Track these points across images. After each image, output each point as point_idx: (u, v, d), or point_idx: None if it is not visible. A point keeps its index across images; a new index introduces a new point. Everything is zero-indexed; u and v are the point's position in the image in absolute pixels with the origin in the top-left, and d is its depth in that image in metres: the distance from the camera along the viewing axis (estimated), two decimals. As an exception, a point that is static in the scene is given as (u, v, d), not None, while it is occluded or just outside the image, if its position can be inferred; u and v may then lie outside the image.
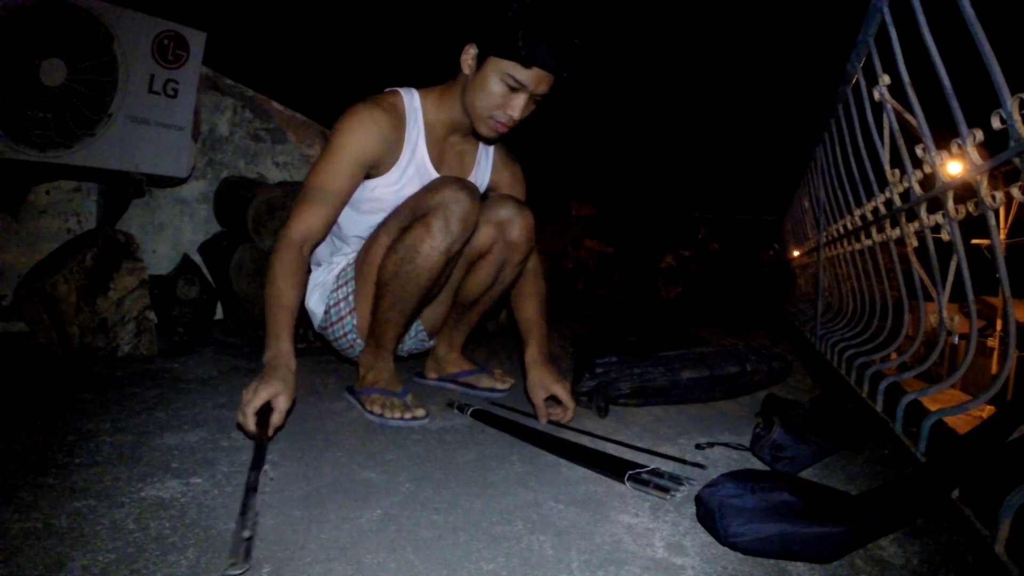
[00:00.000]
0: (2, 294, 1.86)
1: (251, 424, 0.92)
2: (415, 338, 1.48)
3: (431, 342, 1.53)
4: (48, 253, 1.78)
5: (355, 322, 1.34)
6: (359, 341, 1.36)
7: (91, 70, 1.75)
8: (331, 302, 1.36)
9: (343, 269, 1.38)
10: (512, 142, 1.50)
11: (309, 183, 1.20)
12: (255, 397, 0.93)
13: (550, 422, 1.24)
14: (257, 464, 0.80)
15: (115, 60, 1.79)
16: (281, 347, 1.06)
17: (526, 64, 1.12)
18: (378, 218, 1.31)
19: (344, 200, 1.24)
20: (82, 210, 2.06)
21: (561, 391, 1.25)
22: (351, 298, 1.34)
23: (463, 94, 1.23)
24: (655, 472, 0.95)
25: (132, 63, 1.82)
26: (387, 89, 1.30)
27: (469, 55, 1.19)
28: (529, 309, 1.40)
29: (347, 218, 1.32)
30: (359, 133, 1.20)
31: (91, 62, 1.74)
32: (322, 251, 1.39)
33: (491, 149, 1.44)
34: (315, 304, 1.39)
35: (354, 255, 1.37)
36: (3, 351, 1.63)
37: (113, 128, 1.82)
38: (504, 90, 1.16)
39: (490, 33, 1.14)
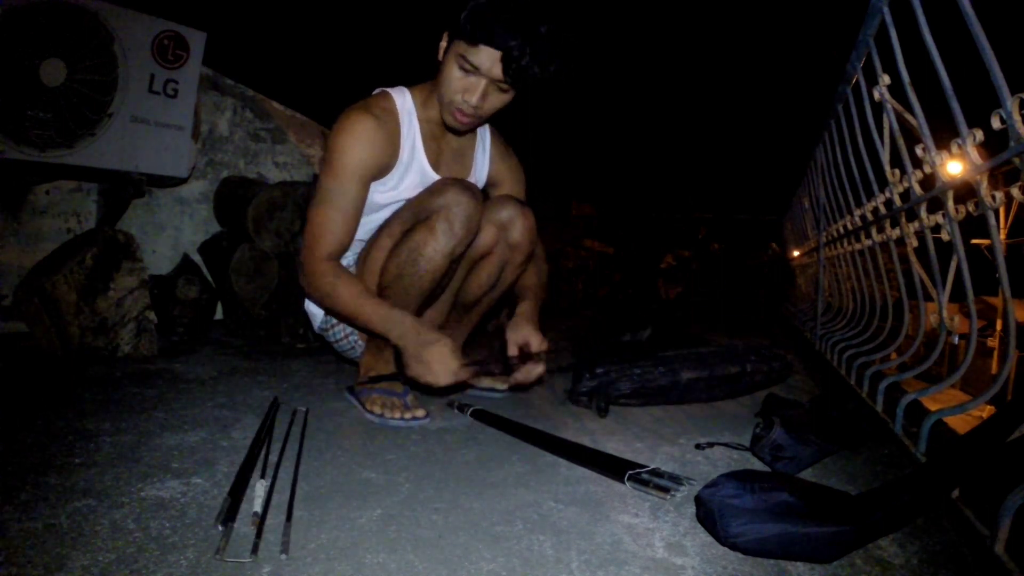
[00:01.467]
0: (2, 294, 1.86)
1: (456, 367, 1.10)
2: None
3: None
4: (48, 253, 1.78)
5: None
6: (360, 343, 1.36)
7: (91, 70, 1.75)
8: None
9: None
10: (510, 141, 1.50)
11: (319, 211, 1.19)
12: (450, 356, 1.11)
13: (519, 385, 1.27)
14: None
15: (115, 60, 1.79)
16: (405, 320, 1.14)
17: (472, 41, 1.09)
18: (379, 219, 1.31)
19: (360, 213, 1.24)
20: (82, 210, 2.06)
21: (535, 340, 1.25)
22: None
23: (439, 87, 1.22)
24: (655, 472, 0.95)
25: (132, 63, 1.82)
26: (377, 90, 1.29)
27: (442, 47, 1.18)
28: (528, 280, 1.43)
29: None
30: (358, 149, 1.19)
31: (91, 62, 1.74)
32: None
33: (488, 142, 1.43)
34: (313, 307, 1.39)
35: (354, 257, 1.37)
36: (3, 351, 1.62)
37: (113, 128, 1.81)
38: (461, 74, 1.14)
39: (456, 19, 1.12)
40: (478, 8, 1.08)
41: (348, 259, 1.38)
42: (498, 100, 1.18)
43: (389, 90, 1.28)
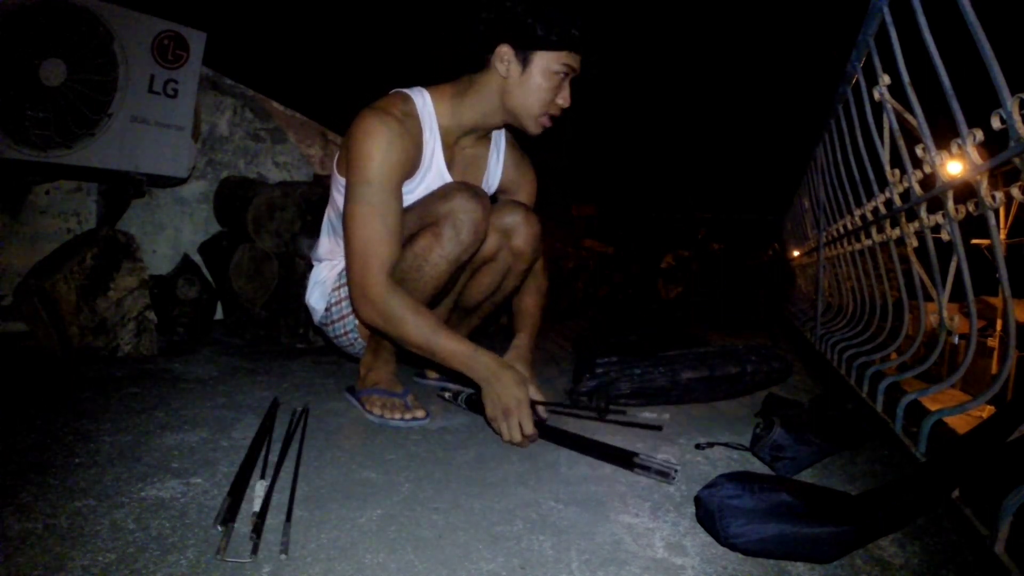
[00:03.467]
0: (2, 294, 1.86)
1: (530, 428, 1.06)
2: None
3: None
4: (48, 253, 1.78)
5: (356, 322, 1.34)
6: (359, 340, 1.36)
7: (91, 70, 1.75)
8: (332, 300, 1.36)
9: (344, 269, 1.37)
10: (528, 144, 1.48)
11: (365, 220, 1.13)
12: (521, 403, 1.06)
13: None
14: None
15: (115, 60, 1.79)
16: (483, 358, 1.10)
17: (582, 48, 1.17)
18: None
19: (401, 218, 1.19)
20: (82, 210, 2.06)
21: (531, 387, 1.21)
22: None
23: (505, 97, 1.20)
24: (650, 459, 0.98)
25: (132, 63, 1.82)
26: (393, 91, 1.25)
27: (505, 57, 1.17)
28: (528, 301, 1.42)
29: None
30: (390, 151, 1.15)
31: (91, 62, 1.74)
32: (324, 247, 1.39)
33: (503, 149, 1.40)
34: (316, 301, 1.39)
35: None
36: (3, 351, 1.62)
37: (113, 128, 1.81)
38: (557, 82, 1.18)
39: (528, 29, 1.13)
40: (571, 19, 1.13)
41: (342, 264, 1.37)
42: None
43: (407, 91, 1.24)
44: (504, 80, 1.19)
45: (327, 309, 1.37)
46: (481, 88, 1.22)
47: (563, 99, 1.19)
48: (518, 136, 1.42)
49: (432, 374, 1.55)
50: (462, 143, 1.32)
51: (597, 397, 1.35)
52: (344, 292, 1.35)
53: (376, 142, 1.14)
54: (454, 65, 1.25)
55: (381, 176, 1.14)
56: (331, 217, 1.36)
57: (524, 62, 1.16)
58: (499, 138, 1.40)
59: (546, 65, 1.16)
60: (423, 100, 1.24)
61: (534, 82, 1.17)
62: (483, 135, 1.33)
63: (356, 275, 1.14)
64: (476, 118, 1.25)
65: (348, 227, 1.15)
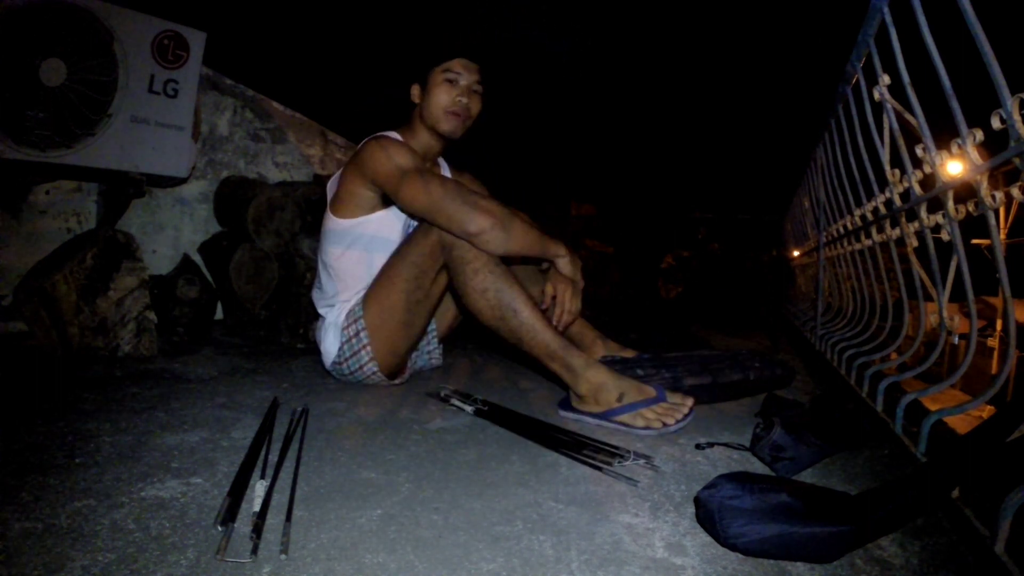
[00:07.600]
0: (2, 294, 1.86)
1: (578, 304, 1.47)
2: (427, 353, 1.60)
3: (439, 360, 1.66)
4: (48, 253, 1.78)
5: (373, 352, 1.38)
6: (378, 373, 1.41)
7: (91, 70, 1.75)
8: (344, 339, 1.40)
9: (352, 308, 1.41)
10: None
11: (432, 186, 1.27)
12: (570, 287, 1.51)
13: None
14: None
15: (115, 60, 1.79)
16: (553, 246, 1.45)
17: (450, 56, 1.40)
18: (377, 256, 1.41)
19: None
20: (82, 210, 2.06)
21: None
22: (363, 334, 1.37)
23: (421, 115, 1.44)
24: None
25: (132, 63, 1.82)
26: (369, 137, 1.42)
27: (416, 91, 1.45)
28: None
29: (352, 259, 1.41)
30: (407, 150, 1.35)
31: (91, 62, 1.74)
32: (327, 291, 1.47)
33: (444, 169, 1.62)
34: (330, 343, 1.43)
35: (362, 292, 1.42)
36: (3, 351, 1.63)
37: (113, 128, 1.81)
38: (447, 86, 1.41)
39: (418, 65, 1.43)
40: (446, 35, 1.35)
41: (359, 295, 1.42)
42: (477, 104, 1.44)
43: (385, 134, 1.44)
44: (418, 106, 1.45)
45: (340, 348, 1.40)
46: (415, 119, 1.47)
47: (461, 96, 1.41)
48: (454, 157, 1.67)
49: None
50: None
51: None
52: (353, 330, 1.38)
53: (395, 146, 1.34)
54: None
55: (415, 161, 1.33)
56: (325, 262, 1.47)
57: (424, 85, 1.43)
58: (443, 165, 1.62)
59: (435, 78, 1.41)
60: (396, 137, 1.45)
61: (432, 94, 1.41)
62: (432, 162, 1.54)
63: (465, 213, 1.24)
64: (422, 146, 1.47)
65: (429, 202, 1.26)
